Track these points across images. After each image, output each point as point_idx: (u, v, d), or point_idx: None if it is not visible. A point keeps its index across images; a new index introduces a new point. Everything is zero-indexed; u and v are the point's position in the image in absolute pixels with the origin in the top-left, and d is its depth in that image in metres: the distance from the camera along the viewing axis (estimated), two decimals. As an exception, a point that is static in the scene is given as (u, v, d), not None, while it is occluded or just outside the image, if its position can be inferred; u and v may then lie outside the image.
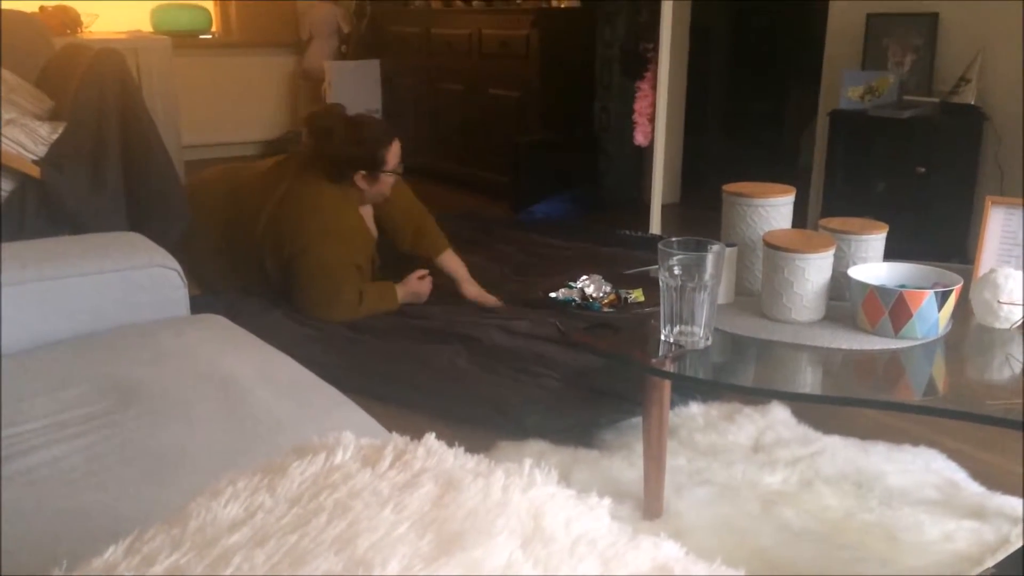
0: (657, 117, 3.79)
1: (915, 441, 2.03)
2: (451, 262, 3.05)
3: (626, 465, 1.94)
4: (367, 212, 3.01)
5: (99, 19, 4.68)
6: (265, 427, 1.17)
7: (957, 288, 1.40)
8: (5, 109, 2.28)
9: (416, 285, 2.89)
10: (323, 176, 2.85)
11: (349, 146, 2.80)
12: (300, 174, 2.91)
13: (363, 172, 2.83)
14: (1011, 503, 1.78)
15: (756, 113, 5.40)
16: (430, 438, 0.65)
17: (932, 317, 1.38)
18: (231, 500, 0.57)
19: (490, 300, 2.97)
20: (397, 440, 0.64)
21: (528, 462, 0.60)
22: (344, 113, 2.92)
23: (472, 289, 3.01)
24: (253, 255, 2.92)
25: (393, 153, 2.88)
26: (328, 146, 2.82)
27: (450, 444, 1.55)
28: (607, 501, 0.59)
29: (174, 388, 1.29)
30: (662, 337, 1.42)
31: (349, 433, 0.65)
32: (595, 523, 0.57)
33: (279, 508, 0.55)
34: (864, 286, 1.42)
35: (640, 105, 4.11)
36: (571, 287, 1.62)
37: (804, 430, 2.10)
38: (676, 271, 1.39)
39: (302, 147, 2.95)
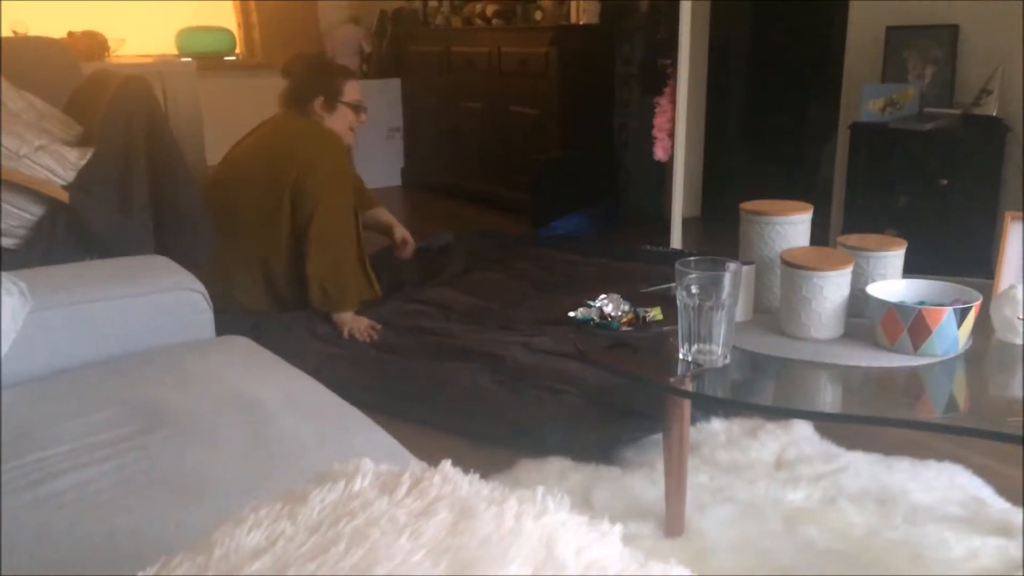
0: (676, 132, 3.80)
1: (939, 456, 2.01)
2: (382, 215, 3.42)
3: (648, 483, 1.94)
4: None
5: (126, 43, 4.77)
6: (289, 450, 1.19)
7: (976, 305, 1.39)
8: (36, 135, 2.33)
9: (367, 328, 2.93)
10: (292, 109, 3.14)
11: (307, 77, 3.14)
12: (275, 117, 3.21)
13: (320, 98, 3.07)
14: (1037, 520, 1.76)
15: (777, 126, 5.38)
16: (446, 465, 0.67)
17: (952, 334, 1.38)
18: (253, 528, 0.59)
19: (410, 241, 3.33)
20: (414, 467, 0.66)
21: (540, 489, 0.62)
22: (309, 56, 3.32)
23: (400, 231, 3.37)
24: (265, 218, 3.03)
25: (350, 88, 3.14)
26: (292, 80, 3.16)
27: (472, 463, 1.56)
28: (619, 528, 0.60)
29: (200, 411, 1.32)
30: (680, 356, 1.43)
31: (368, 460, 0.67)
32: (607, 550, 0.58)
33: (299, 536, 0.56)
34: (883, 303, 1.42)
35: (659, 120, 4.12)
36: (590, 306, 1.63)
37: (827, 446, 2.09)
38: (693, 290, 1.40)
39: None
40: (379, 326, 2.95)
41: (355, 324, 2.93)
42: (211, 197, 2.95)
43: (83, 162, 2.28)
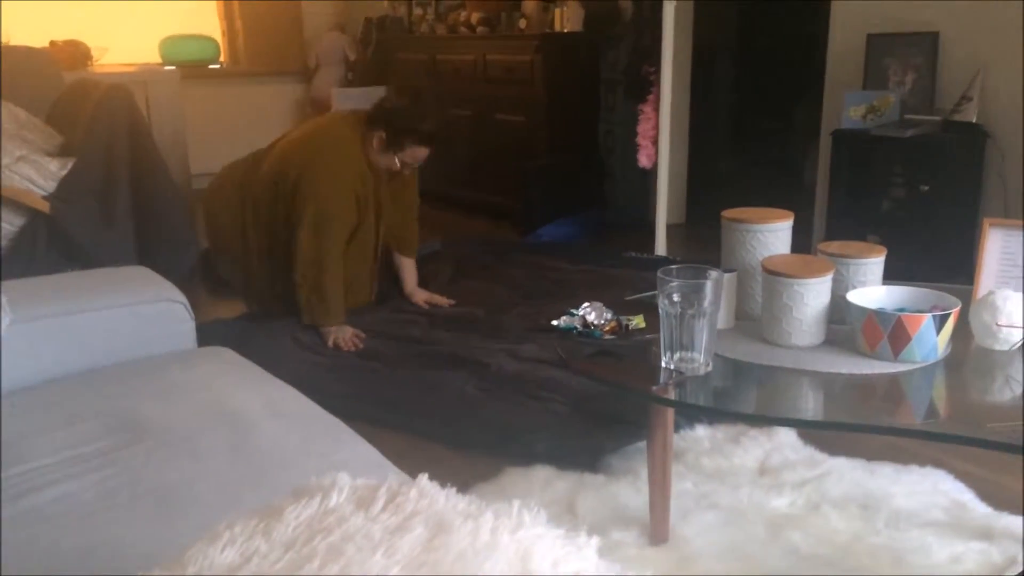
0: (660, 139, 3.81)
1: (922, 461, 2.02)
2: (409, 268, 3.34)
3: (632, 491, 1.95)
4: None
5: (109, 52, 4.76)
6: (271, 462, 1.19)
7: (955, 311, 1.41)
8: (16, 146, 2.32)
9: (352, 338, 2.92)
10: (352, 118, 3.05)
11: (396, 111, 2.98)
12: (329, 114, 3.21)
13: (383, 135, 2.95)
14: (1019, 524, 1.77)
15: (760, 133, 5.42)
16: (423, 479, 0.67)
17: (931, 340, 1.39)
18: (228, 545, 0.58)
19: (440, 300, 3.23)
20: (391, 481, 0.66)
21: (517, 503, 0.62)
22: (421, 92, 3.30)
23: (420, 295, 3.28)
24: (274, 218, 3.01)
25: (413, 153, 3.01)
26: (387, 101, 3.05)
27: (457, 471, 1.55)
28: (595, 540, 0.61)
29: (182, 423, 1.31)
30: (663, 364, 1.43)
31: (345, 475, 0.67)
32: (583, 563, 0.58)
33: (274, 553, 0.56)
34: (863, 310, 1.43)
35: (643, 128, 4.13)
36: (573, 314, 1.64)
37: (810, 452, 2.10)
38: (675, 298, 1.41)
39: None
40: (363, 336, 2.94)
41: (340, 334, 2.91)
42: (212, 202, 3.01)
43: (64, 172, 2.27)
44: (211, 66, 6.11)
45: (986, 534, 1.74)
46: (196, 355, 1.66)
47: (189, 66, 5.62)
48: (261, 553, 0.56)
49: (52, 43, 4.36)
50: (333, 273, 2.94)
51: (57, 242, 2.23)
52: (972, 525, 1.78)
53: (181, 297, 1.70)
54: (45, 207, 2.23)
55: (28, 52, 3.35)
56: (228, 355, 1.65)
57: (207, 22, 6.18)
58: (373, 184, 3.03)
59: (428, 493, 0.63)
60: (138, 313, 1.67)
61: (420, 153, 3.03)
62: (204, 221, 3.15)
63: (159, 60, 5.74)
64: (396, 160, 3.00)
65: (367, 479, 0.68)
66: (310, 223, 2.88)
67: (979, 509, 1.85)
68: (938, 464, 2.01)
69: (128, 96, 2.43)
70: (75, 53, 4.30)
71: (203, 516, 1.06)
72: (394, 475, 0.74)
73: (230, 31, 6.26)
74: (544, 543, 0.57)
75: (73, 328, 1.60)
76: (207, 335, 1.76)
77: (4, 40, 4.35)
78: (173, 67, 4.83)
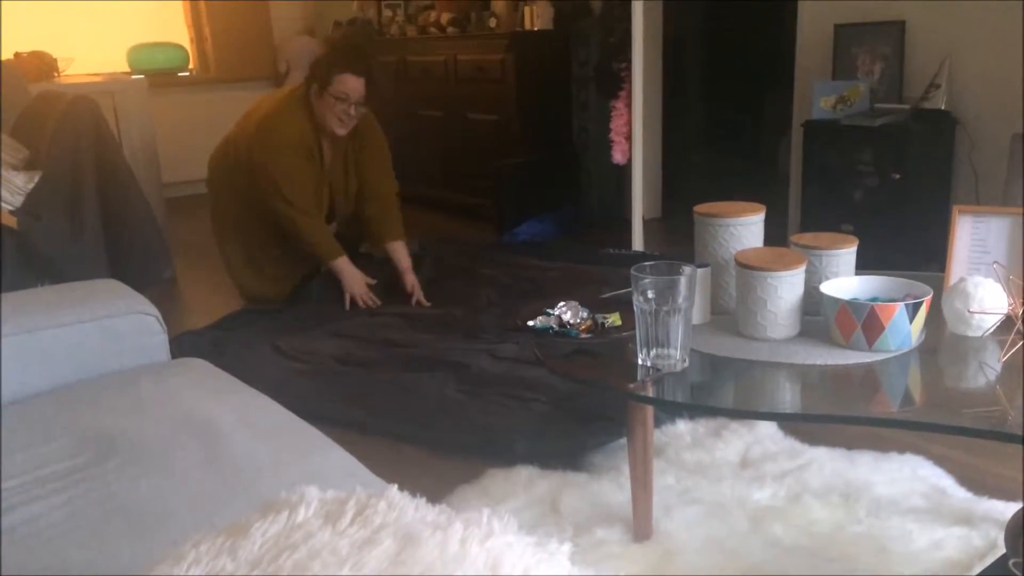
0: (634, 135, 3.81)
1: (901, 448, 2.04)
2: (400, 251, 3.37)
3: (615, 487, 1.94)
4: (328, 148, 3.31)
5: (75, 62, 4.70)
6: (245, 475, 1.17)
7: (927, 299, 1.41)
8: (-19, 160, 2.29)
9: (360, 282, 3.22)
10: (294, 91, 3.27)
11: (315, 62, 3.24)
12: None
13: (315, 85, 3.16)
14: (998, 507, 1.79)
15: (733, 125, 5.44)
16: (392, 491, 0.66)
17: (904, 329, 1.40)
18: (193, 565, 0.57)
19: (421, 298, 3.29)
20: (359, 493, 0.65)
21: (486, 512, 0.61)
22: (334, 41, 3.55)
23: (411, 278, 3.33)
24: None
25: (341, 80, 3.12)
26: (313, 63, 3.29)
27: (439, 474, 1.52)
28: (567, 547, 0.60)
29: (154, 438, 1.29)
30: (639, 361, 1.43)
31: (313, 489, 0.66)
32: (554, 570, 0.57)
33: (240, 572, 0.55)
34: (836, 301, 1.43)
35: (616, 124, 4.14)
36: (548, 314, 1.63)
37: (791, 443, 2.11)
38: (649, 295, 1.40)
39: None
40: (373, 282, 3.24)
41: (353, 290, 3.19)
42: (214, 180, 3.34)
43: (31, 186, 2.24)
44: (180, 74, 6.05)
45: (966, 519, 1.76)
46: (168, 368, 1.64)
47: (158, 74, 5.57)
48: (227, 572, 0.55)
49: (16, 55, 4.29)
50: (310, 219, 3.18)
51: (25, 257, 2.20)
52: (952, 510, 1.79)
53: (152, 309, 1.68)
54: (13, 222, 2.20)
55: (-9, 65, 3.31)
56: (201, 366, 1.63)
57: (175, 30, 6.12)
58: (318, 140, 3.23)
59: (397, 505, 0.62)
60: (109, 327, 1.64)
61: (350, 82, 3.13)
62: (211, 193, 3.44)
63: (127, 69, 5.68)
64: (333, 102, 3.12)
65: (336, 491, 0.67)
66: (271, 190, 3.11)
67: (958, 494, 1.86)
68: (917, 450, 2.02)
69: (93, 107, 2.40)
70: (40, 64, 4.24)
71: (175, 532, 1.05)
72: (366, 485, 0.73)
73: (199, 38, 6.21)
74: (514, 552, 0.57)
75: (42, 344, 1.57)
76: (181, 347, 1.74)
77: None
78: (141, 76, 4.77)
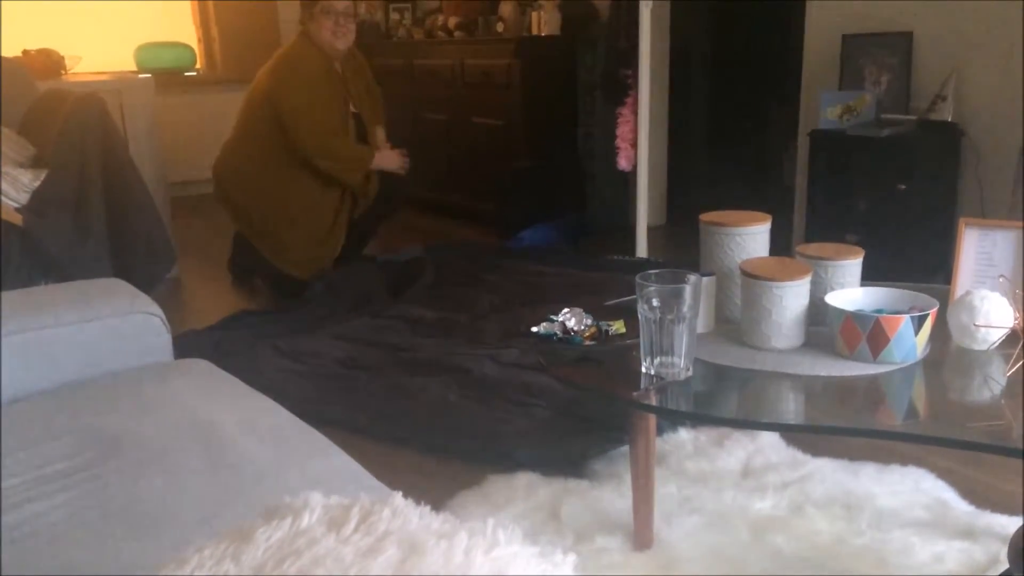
0: (640, 142, 3.81)
1: (903, 460, 2.03)
2: (380, 134, 3.73)
3: (616, 495, 1.94)
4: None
5: (83, 60, 4.70)
6: (247, 477, 1.17)
7: (933, 312, 1.41)
8: (-12, 157, 2.29)
9: (390, 155, 3.57)
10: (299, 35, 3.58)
11: None
12: None
13: (308, 12, 3.44)
14: (1000, 521, 1.78)
15: (739, 133, 5.43)
16: (396, 498, 0.66)
17: (909, 341, 1.39)
18: (196, 570, 0.57)
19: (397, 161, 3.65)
20: (364, 500, 0.65)
21: (491, 522, 0.61)
22: None
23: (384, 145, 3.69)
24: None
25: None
26: None
27: (440, 479, 1.52)
28: (572, 558, 0.60)
29: (156, 439, 1.29)
30: (643, 369, 1.43)
31: (317, 494, 0.65)
32: (559, 581, 0.57)
33: (243, 578, 0.55)
34: (841, 312, 1.43)
35: (622, 130, 4.13)
36: (552, 320, 1.63)
37: (793, 453, 2.10)
38: (654, 303, 1.40)
39: None
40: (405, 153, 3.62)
41: (393, 162, 3.53)
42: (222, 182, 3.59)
43: (37, 184, 2.24)
44: (187, 73, 6.06)
45: (968, 533, 1.75)
46: (172, 368, 1.64)
47: (165, 74, 5.57)
48: (229, 578, 0.55)
49: (25, 52, 4.30)
50: (338, 139, 3.48)
51: (30, 255, 2.20)
52: (954, 524, 1.79)
53: (157, 309, 1.68)
54: (18, 220, 2.20)
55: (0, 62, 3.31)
56: (204, 367, 1.62)
57: (183, 29, 6.13)
58: (329, 64, 3.50)
59: (402, 512, 0.62)
60: (113, 326, 1.64)
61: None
62: (221, 201, 3.64)
63: (134, 68, 5.69)
64: (324, 19, 3.37)
65: (340, 497, 0.67)
66: (297, 123, 3.35)
67: (961, 507, 1.86)
68: (920, 463, 2.02)
69: (101, 105, 2.40)
70: (48, 62, 4.24)
71: (177, 533, 1.05)
72: (369, 490, 0.73)
73: (206, 38, 6.22)
74: (519, 562, 0.56)
75: (46, 343, 1.57)
76: (183, 347, 1.73)
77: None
78: (148, 75, 4.78)
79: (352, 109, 3.66)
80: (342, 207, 3.61)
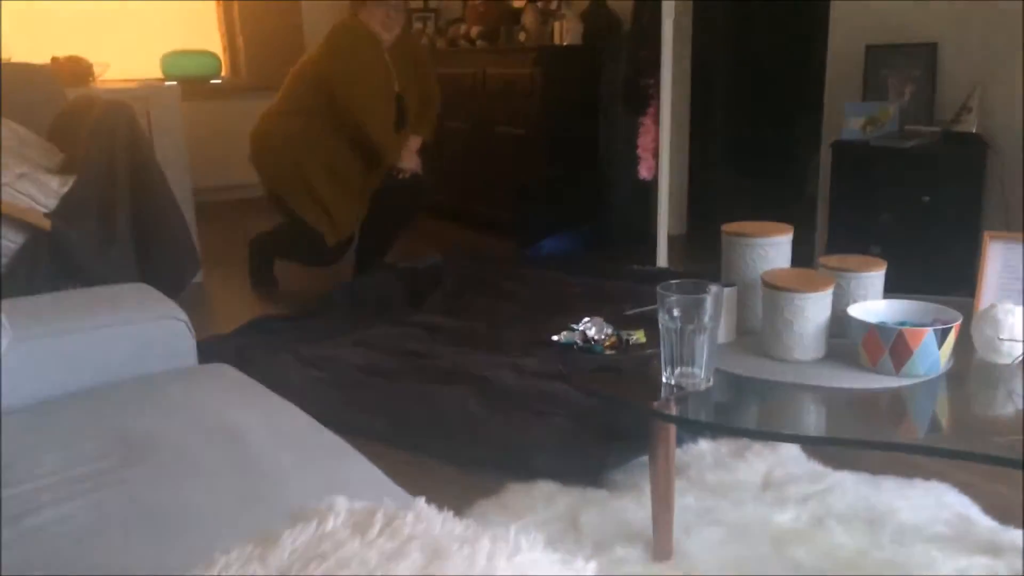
0: (661, 151, 3.81)
1: (926, 475, 2.01)
2: (414, 143, 3.88)
3: (636, 505, 1.93)
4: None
5: (110, 68, 4.77)
6: (270, 482, 1.18)
7: (956, 325, 1.40)
8: (17, 163, 2.32)
9: (413, 155, 3.78)
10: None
11: None
12: None
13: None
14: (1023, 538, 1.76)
15: (761, 144, 5.41)
16: (420, 503, 0.66)
17: (933, 354, 1.38)
18: (223, 572, 0.58)
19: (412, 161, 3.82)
20: (387, 505, 0.65)
21: (513, 528, 0.61)
22: None
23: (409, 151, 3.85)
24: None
25: None
26: None
27: (460, 488, 1.53)
28: (593, 565, 0.60)
29: (181, 443, 1.31)
30: (663, 379, 1.43)
31: (342, 498, 0.66)
32: (581, 588, 0.57)
33: (270, 580, 0.56)
34: (864, 324, 1.43)
35: (643, 140, 4.14)
36: (573, 330, 1.63)
37: (814, 466, 2.09)
38: (675, 313, 1.40)
39: None
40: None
41: (407, 152, 3.74)
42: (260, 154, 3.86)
43: (65, 189, 2.27)
44: (212, 81, 6.12)
45: (991, 549, 1.73)
46: (197, 373, 1.66)
47: (190, 81, 5.63)
48: (257, 580, 0.56)
49: (54, 59, 4.36)
50: (383, 105, 3.67)
51: (58, 260, 2.23)
52: (977, 539, 1.77)
53: (182, 314, 1.70)
54: (46, 225, 2.23)
55: (29, 69, 3.36)
56: (229, 372, 1.64)
57: (208, 37, 6.20)
58: (377, 48, 3.63)
59: (425, 517, 0.63)
60: (138, 331, 1.66)
61: None
62: (256, 161, 3.85)
63: (160, 76, 5.76)
64: (374, 8, 3.55)
65: (365, 501, 0.68)
66: (349, 84, 3.54)
67: (983, 523, 1.84)
68: (943, 477, 2.00)
69: (129, 112, 2.43)
70: (76, 69, 4.30)
71: (202, 538, 1.06)
72: (392, 496, 0.73)
73: (231, 46, 6.28)
74: (541, 569, 0.57)
75: (73, 347, 1.59)
76: (206, 353, 1.75)
77: (5, 57, 4.36)
78: (174, 83, 4.84)
79: (396, 90, 3.79)
80: (367, 179, 3.80)
